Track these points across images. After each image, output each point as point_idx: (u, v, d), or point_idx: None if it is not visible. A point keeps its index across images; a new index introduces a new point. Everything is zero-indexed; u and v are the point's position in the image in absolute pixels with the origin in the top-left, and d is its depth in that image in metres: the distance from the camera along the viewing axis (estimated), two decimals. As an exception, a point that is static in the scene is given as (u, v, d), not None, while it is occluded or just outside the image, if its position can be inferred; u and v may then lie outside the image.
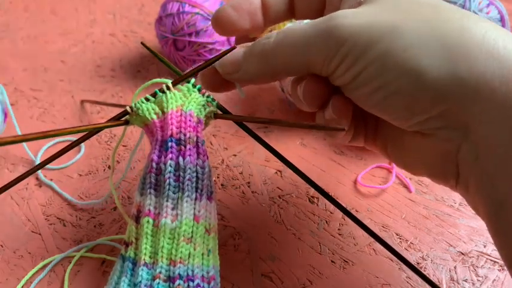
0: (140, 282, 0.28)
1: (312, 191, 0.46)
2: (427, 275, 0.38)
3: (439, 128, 0.28)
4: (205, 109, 0.33)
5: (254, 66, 0.31)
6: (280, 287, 0.37)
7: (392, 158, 0.35)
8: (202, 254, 0.29)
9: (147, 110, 0.32)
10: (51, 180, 0.47)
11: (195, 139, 0.31)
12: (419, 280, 0.38)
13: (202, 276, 0.29)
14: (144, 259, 0.29)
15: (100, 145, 0.51)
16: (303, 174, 0.34)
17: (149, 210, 0.30)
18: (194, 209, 0.30)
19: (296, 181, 0.47)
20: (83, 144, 0.50)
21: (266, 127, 0.52)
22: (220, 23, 0.34)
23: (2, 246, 0.41)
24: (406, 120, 0.29)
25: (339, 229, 0.42)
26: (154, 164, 0.31)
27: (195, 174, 0.31)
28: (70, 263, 0.39)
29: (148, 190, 0.31)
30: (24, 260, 0.39)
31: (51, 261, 0.39)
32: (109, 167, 0.48)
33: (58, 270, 0.39)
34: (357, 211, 0.44)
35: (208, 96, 0.33)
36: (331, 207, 0.44)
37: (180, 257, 0.28)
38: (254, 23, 0.34)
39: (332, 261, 0.39)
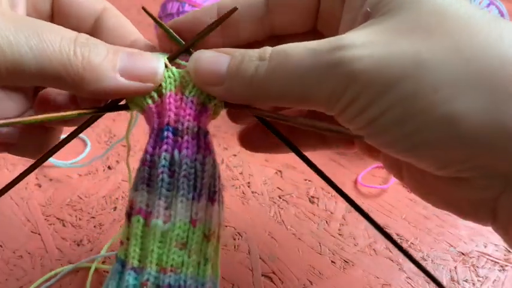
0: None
1: (312, 191, 0.46)
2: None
3: (475, 177, 0.24)
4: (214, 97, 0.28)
5: (240, 89, 0.26)
6: (280, 287, 0.37)
7: (409, 187, 0.30)
8: (198, 263, 0.26)
9: None
10: (51, 180, 0.47)
11: (195, 130, 0.27)
12: (420, 281, 0.38)
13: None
14: (132, 262, 0.26)
15: (99, 145, 0.51)
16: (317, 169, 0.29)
17: (140, 208, 0.27)
18: (191, 210, 0.26)
19: (296, 181, 0.47)
20: (88, 142, 0.51)
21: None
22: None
23: (1, 246, 0.40)
24: (435, 171, 0.24)
25: (339, 229, 0.42)
26: (148, 156, 0.27)
27: (193, 170, 0.27)
28: (77, 271, 0.39)
29: (141, 186, 0.27)
30: (24, 260, 0.39)
31: (60, 272, 0.38)
32: (109, 167, 0.48)
33: (65, 280, 0.39)
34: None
35: None
36: (332, 207, 0.44)
37: (171, 265, 0.25)
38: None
39: (332, 262, 0.39)
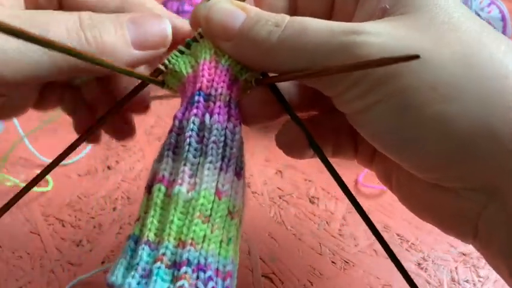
0: (137, 264, 0.22)
1: (313, 191, 0.46)
2: (428, 276, 0.38)
3: (458, 188, 0.24)
4: (246, 71, 0.27)
5: (248, 50, 0.26)
6: (280, 287, 0.37)
7: (397, 195, 0.30)
8: (221, 241, 0.23)
9: (184, 63, 0.27)
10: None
11: (227, 98, 0.26)
12: (420, 281, 0.37)
13: (217, 269, 0.23)
14: (147, 236, 0.23)
15: (99, 145, 0.51)
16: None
17: (163, 176, 0.25)
18: (217, 181, 0.24)
19: (296, 181, 0.47)
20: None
21: (266, 127, 0.52)
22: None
23: (0, 247, 0.40)
24: (422, 172, 0.25)
25: (339, 230, 0.42)
26: (177, 122, 0.26)
27: (223, 138, 0.25)
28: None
29: (166, 152, 0.25)
30: (23, 260, 0.39)
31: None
32: (108, 168, 0.48)
33: None
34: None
35: None
36: (332, 207, 0.44)
37: (192, 238, 0.22)
38: None
39: (333, 262, 0.39)
